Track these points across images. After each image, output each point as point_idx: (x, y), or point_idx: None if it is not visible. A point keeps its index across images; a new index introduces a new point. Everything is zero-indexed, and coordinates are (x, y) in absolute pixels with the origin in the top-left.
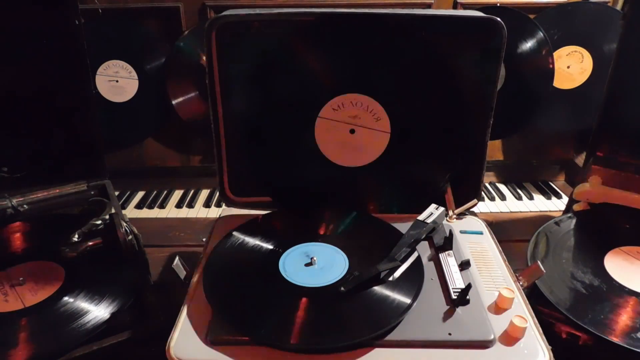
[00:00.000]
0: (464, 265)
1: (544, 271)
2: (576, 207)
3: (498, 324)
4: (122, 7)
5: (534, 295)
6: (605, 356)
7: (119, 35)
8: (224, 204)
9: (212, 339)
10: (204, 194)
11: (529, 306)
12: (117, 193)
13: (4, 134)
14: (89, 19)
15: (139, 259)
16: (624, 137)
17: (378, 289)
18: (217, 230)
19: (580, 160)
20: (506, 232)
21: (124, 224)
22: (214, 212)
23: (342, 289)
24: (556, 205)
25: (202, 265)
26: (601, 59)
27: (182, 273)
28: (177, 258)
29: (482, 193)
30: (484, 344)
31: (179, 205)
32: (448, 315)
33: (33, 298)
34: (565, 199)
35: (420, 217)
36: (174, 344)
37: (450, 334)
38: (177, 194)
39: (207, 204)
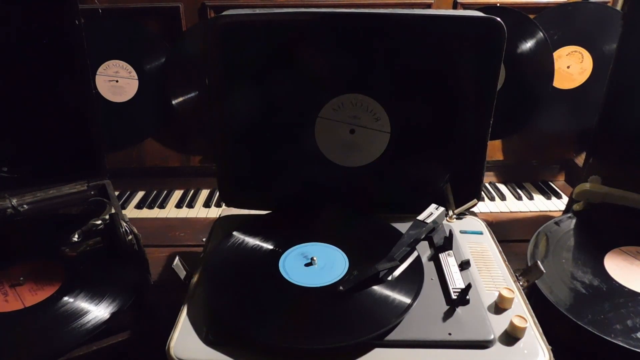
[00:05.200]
0: (464, 265)
1: (544, 271)
2: (576, 207)
3: (498, 324)
4: (122, 7)
5: (534, 295)
6: (605, 356)
7: (119, 35)
8: (224, 204)
9: (212, 339)
10: (204, 194)
11: (529, 306)
12: (117, 193)
13: (4, 134)
14: (89, 19)
15: (139, 259)
16: (624, 137)
17: (378, 288)
18: (217, 230)
19: (580, 160)
20: (506, 232)
21: (124, 224)
22: (214, 212)
23: (341, 288)
24: (556, 205)
25: (202, 265)
26: (601, 59)
27: (182, 273)
28: (177, 258)
29: (482, 193)
30: (484, 344)
31: (179, 205)
32: (448, 315)
33: (33, 298)
34: (565, 199)
35: (420, 217)
36: (174, 344)
37: (450, 334)
38: (177, 194)
39: (207, 204)
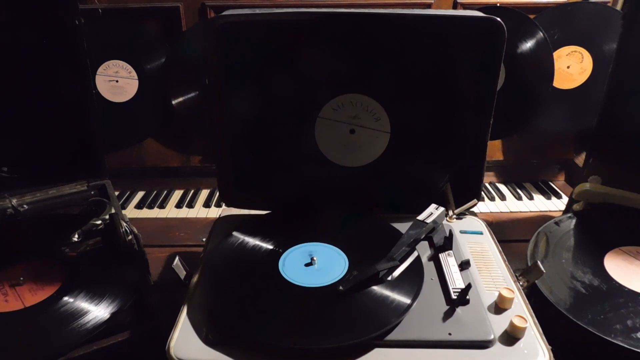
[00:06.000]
0: (464, 265)
1: (544, 271)
2: (576, 207)
3: (498, 324)
4: (122, 7)
5: (534, 295)
6: (605, 356)
7: (119, 35)
8: (224, 204)
9: (212, 339)
10: (204, 194)
11: (529, 306)
12: (117, 193)
13: (4, 133)
14: (89, 19)
15: (139, 259)
16: (624, 137)
17: (378, 289)
18: (217, 230)
19: (580, 160)
20: (506, 232)
21: (124, 224)
22: (214, 212)
23: (341, 288)
24: (556, 205)
25: (202, 265)
26: (601, 59)
27: (182, 273)
28: (177, 258)
29: (482, 193)
30: (484, 344)
31: (179, 205)
32: (448, 315)
33: (33, 298)
34: (565, 199)
35: (420, 217)
36: (174, 344)
37: (450, 334)
38: (177, 194)
39: (207, 204)
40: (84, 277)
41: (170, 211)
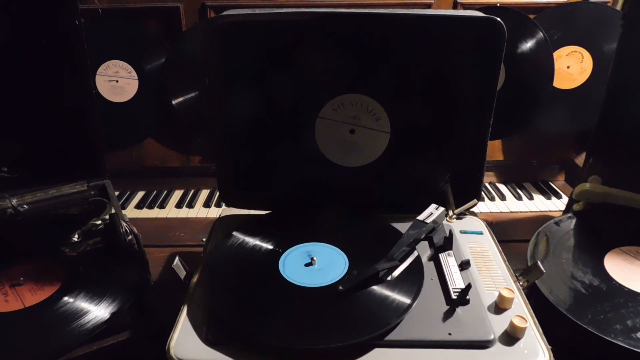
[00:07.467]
0: (464, 265)
1: (544, 271)
2: (576, 207)
3: (498, 324)
4: (122, 7)
5: (534, 295)
6: (605, 356)
7: (119, 35)
8: (224, 204)
9: (212, 339)
10: (204, 194)
11: (529, 306)
12: (117, 193)
13: (4, 133)
14: (89, 19)
15: (139, 259)
16: (624, 137)
17: (378, 288)
18: (217, 230)
19: (580, 160)
20: (506, 232)
21: (124, 224)
22: (214, 212)
23: (340, 287)
24: (556, 205)
25: (202, 265)
26: (601, 59)
27: (182, 273)
28: (177, 258)
29: (482, 193)
30: (484, 344)
31: (179, 205)
32: (448, 315)
33: (33, 298)
34: (565, 199)
35: (420, 217)
36: (174, 344)
37: (450, 334)
38: (177, 194)
39: (207, 204)
40: (84, 277)
41: (170, 211)
